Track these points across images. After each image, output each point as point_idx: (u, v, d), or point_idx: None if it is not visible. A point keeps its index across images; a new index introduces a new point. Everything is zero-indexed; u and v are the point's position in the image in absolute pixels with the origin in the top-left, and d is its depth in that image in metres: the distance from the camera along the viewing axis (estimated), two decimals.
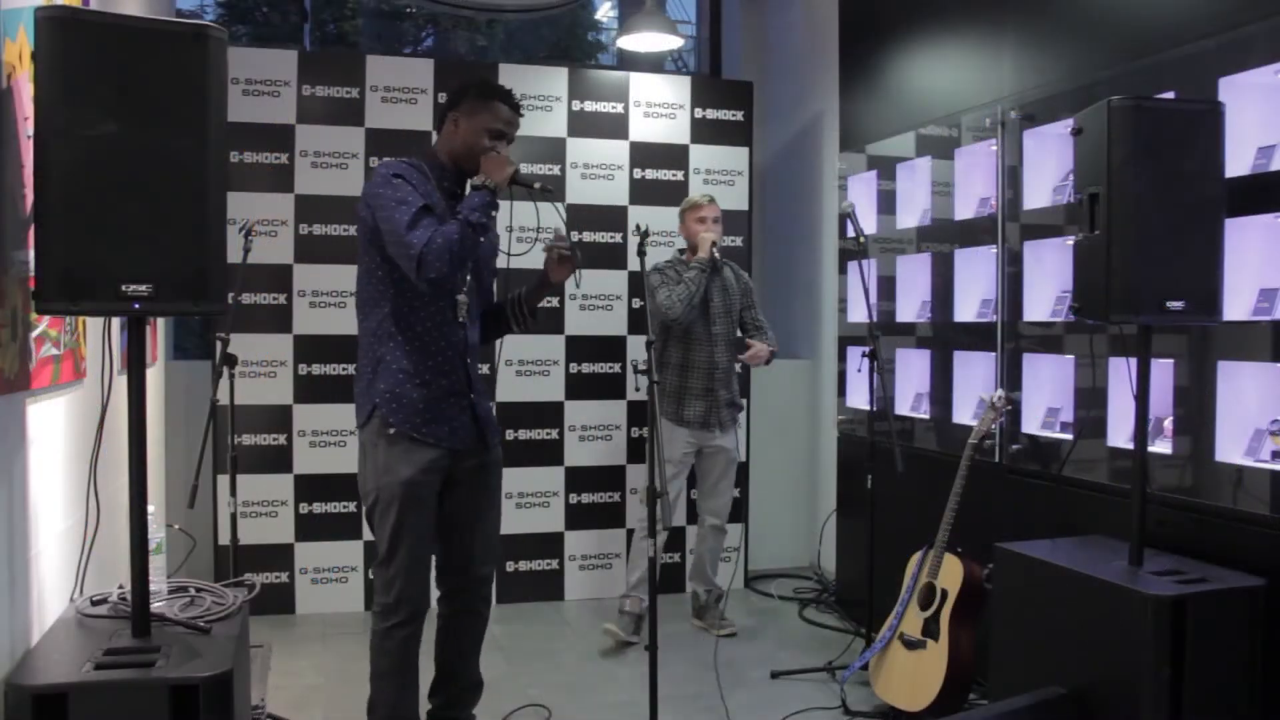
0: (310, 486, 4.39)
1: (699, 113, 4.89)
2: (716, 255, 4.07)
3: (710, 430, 4.11)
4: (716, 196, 4.23)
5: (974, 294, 3.69)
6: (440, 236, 2.51)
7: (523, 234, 4.80)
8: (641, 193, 4.79)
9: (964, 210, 3.74)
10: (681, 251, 4.20)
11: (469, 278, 2.75)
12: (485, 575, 2.88)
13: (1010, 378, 3.43)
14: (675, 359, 4.11)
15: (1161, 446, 2.84)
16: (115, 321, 2.34)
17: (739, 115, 4.95)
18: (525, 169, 2.82)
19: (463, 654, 2.88)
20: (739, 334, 4.23)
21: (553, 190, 2.74)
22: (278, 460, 4.35)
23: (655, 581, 2.86)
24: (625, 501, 4.77)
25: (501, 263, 3.01)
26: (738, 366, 4.27)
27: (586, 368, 4.73)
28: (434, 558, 2.81)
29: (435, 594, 2.85)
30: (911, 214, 4.10)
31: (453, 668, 2.88)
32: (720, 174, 4.90)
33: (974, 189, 3.72)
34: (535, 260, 4.59)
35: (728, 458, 4.18)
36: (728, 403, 4.15)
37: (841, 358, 4.55)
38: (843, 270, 4.56)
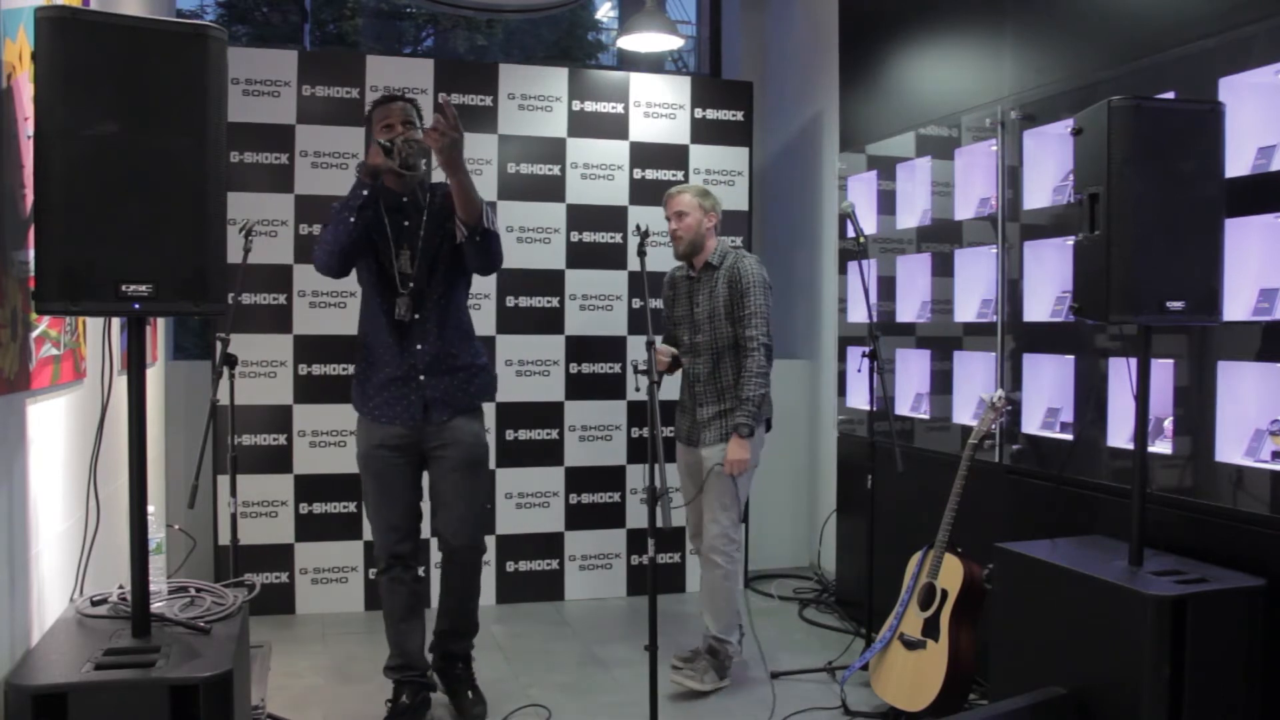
0: (310, 486, 4.39)
1: (699, 113, 4.89)
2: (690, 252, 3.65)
3: (694, 447, 3.68)
4: (717, 196, 3.70)
5: (974, 294, 3.69)
6: (322, 232, 2.99)
7: (523, 234, 4.81)
8: (641, 193, 4.78)
9: (964, 210, 3.74)
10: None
11: (407, 275, 3.05)
12: (459, 546, 3.19)
13: (1010, 378, 3.43)
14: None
15: (1161, 446, 2.84)
16: (115, 321, 2.34)
17: (739, 115, 4.95)
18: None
19: (447, 593, 3.26)
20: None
21: (392, 147, 2.94)
22: (278, 460, 4.35)
23: (654, 581, 2.87)
24: (625, 502, 4.77)
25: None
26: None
27: (586, 368, 4.73)
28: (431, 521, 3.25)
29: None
30: (911, 214, 4.10)
31: (444, 605, 3.28)
32: (720, 174, 4.90)
33: (974, 189, 3.72)
34: (536, 258, 4.61)
35: (713, 474, 3.55)
36: (714, 416, 3.60)
37: (841, 358, 4.55)
38: (843, 270, 4.56)
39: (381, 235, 3.05)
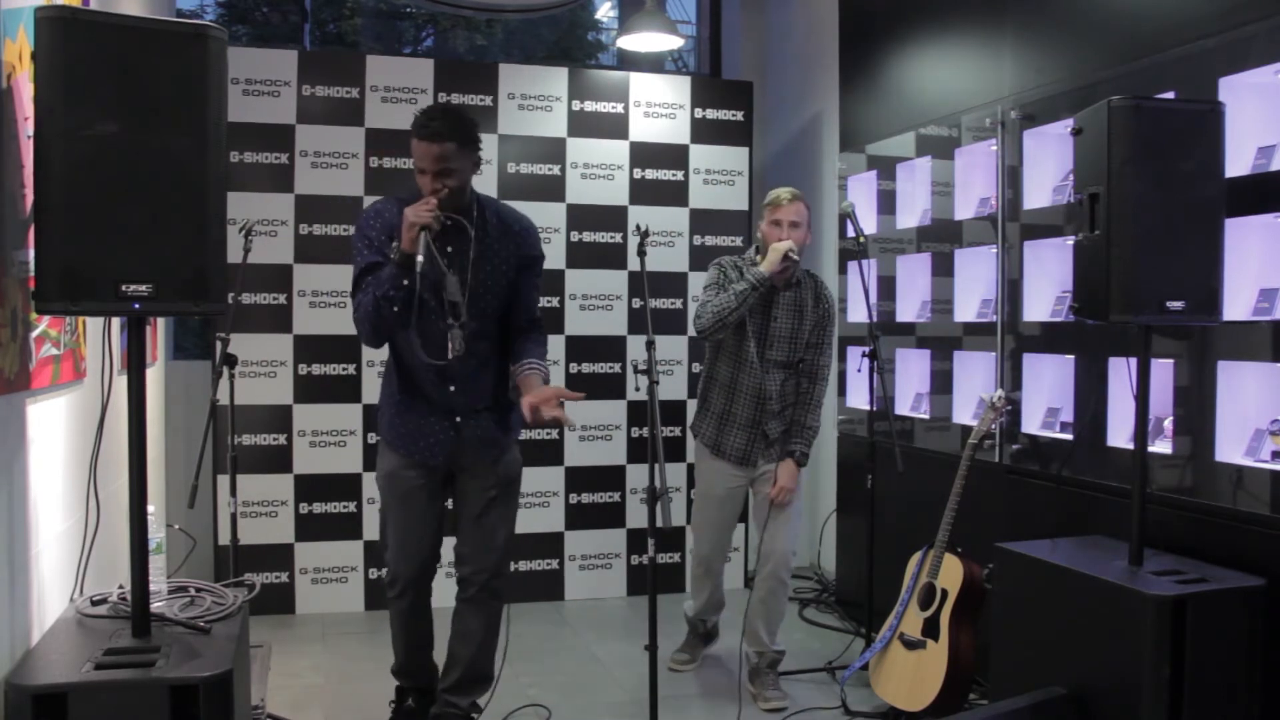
0: (310, 486, 4.39)
1: (699, 113, 4.89)
2: (788, 271, 3.35)
3: (751, 466, 3.53)
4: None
5: (974, 294, 3.69)
6: (361, 309, 2.74)
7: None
8: (641, 193, 4.79)
9: (964, 210, 3.74)
10: (758, 250, 3.48)
11: (459, 310, 2.75)
12: (478, 570, 2.96)
13: (1010, 378, 3.43)
14: (723, 377, 3.49)
15: (1161, 446, 2.84)
16: (115, 321, 2.34)
17: (739, 115, 4.95)
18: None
19: (464, 640, 2.99)
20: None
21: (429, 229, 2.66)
22: (278, 460, 4.35)
23: (654, 581, 2.86)
24: (625, 502, 4.77)
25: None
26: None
27: (586, 368, 4.73)
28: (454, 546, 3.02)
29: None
30: (911, 214, 4.10)
31: (454, 653, 3.02)
32: (720, 174, 4.90)
33: (974, 189, 3.72)
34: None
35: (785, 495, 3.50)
36: (780, 435, 3.51)
37: (841, 358, 4.55)
38: (843, 270, 4.56)
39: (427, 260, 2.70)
